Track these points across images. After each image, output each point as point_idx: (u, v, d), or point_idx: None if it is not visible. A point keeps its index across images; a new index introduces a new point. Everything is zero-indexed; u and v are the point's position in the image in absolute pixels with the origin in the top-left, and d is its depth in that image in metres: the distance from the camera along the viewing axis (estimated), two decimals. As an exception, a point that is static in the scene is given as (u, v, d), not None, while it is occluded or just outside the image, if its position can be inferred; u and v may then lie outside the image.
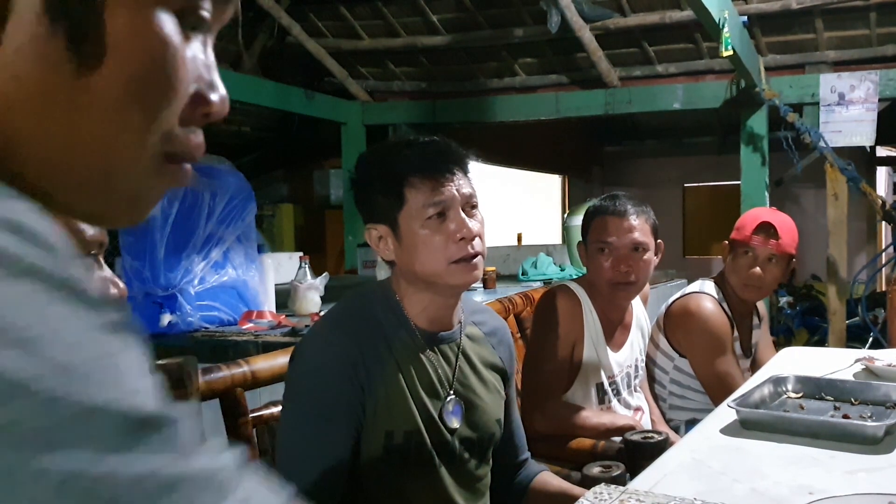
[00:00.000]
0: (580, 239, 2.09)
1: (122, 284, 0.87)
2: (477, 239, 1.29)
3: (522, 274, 4.02)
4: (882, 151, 8.15)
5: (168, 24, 0.45)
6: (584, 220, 2.07)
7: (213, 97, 0.49)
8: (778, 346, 2.58)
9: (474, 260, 1.29)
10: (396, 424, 1.28)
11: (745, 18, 3.94)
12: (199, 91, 0.48)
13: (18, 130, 0.42)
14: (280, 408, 1.36)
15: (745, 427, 1.43)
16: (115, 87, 0.43)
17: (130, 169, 0.46)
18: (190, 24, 0.47)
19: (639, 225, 1.95)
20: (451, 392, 1.35)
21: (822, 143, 4.31)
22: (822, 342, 5.46)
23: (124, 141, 0.45)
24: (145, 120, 0.45)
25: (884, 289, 5.09)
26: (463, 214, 1.28)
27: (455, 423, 1.34)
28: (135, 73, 0.44)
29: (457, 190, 1.28)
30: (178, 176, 0.50)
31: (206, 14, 0.48)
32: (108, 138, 0.44)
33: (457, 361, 1.37)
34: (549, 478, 1.52)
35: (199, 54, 0.48)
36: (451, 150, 1.33)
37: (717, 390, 2.09)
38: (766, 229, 2.22)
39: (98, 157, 0.44)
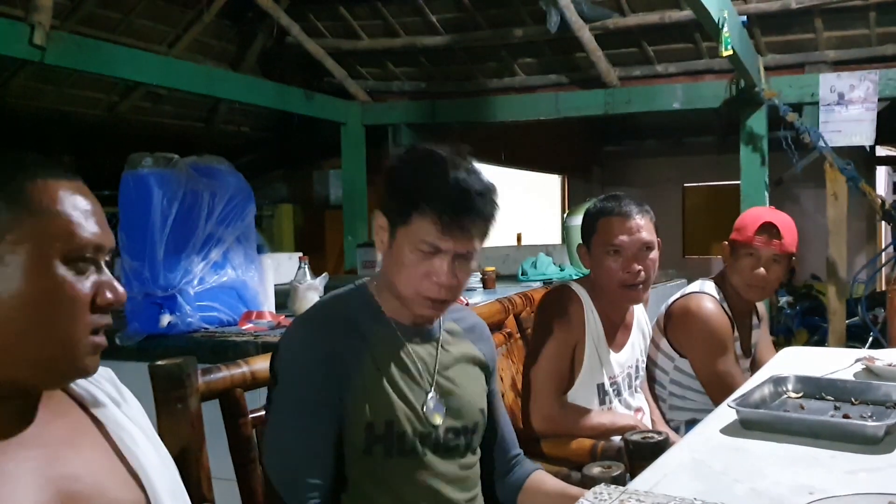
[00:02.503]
0: (580, 240, 2.09)
1: (120, 289, 0.89)
2: (451, 287, 1.30)
3: (522, 274, 4.01)
4: (882, 151, 8.15)
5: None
6: (584, 222, 2.06)
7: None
8: (778, 345, 2.58)
9: (441, 304, 1.32)
10: (377, 416, 1.29)
11: (745, 18, 3.93)
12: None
13: None
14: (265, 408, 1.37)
15: (746, 427, 1.43)
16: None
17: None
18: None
19: (644, 224, 1.95)
20: (432, 387, 1.36)
21: (821, 143, 4.30)
22: (822, 342, 5.46)
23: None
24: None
25: (884, 288, 5.09)
26: (449, 264, 1.28)
27: (438, 419, 1.35)
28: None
29: (456, 244, 1.28)
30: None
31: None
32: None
33: (437, 355, 1.39)
34: (544, 477, 1.52)
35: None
36: (478, 201, 1.28)
37: (718, 390, 2.08)
38: (769, 230, 2.22)
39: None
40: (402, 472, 1.32)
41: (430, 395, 1.35)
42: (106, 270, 0.89)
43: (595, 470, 1.54)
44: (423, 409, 1.33)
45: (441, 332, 1.42)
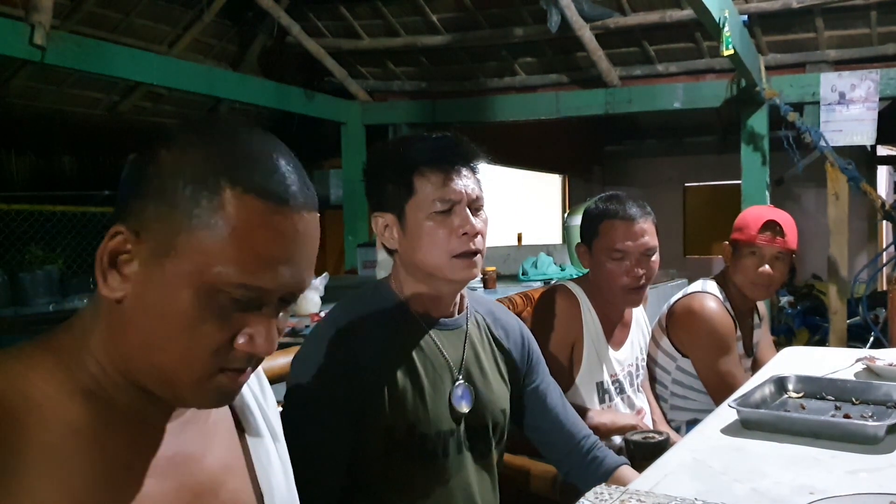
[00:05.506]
0: (580, 240, 2.08)
1: (272, 341, 0.77)
2: (479, 237, 1.32)
3: (523, 274, 4.01)
4: (882, 150, 8.15)
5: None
6: (585, 222, 2.04)
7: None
8: (779, 345, 2.57)
9: (475, 257, 1.32)
10: (397, 420, 1.29)
11: (746, 17, 3.93)
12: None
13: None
14: (281, 409, 1.37)
15: (746, 427, 1.42)
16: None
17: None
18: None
19: (648, 228, 1.95)
20: (460, 377, 1.36)
21: (822, 143, 4.30)
22: (822, 342, 5.45)
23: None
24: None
25: (885, 288, 5.08)
26: (468, 212, 1.31)
27: (465, 408, 1.35)
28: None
29: (465, 189, 1.31)
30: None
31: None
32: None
33: (464, 348, 1.39)
34: (630, 474, 1.49)
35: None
36: (464, 146, 1.35)
37: (720, 390, 2.08)
38: (772, 227, 2.22)
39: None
40: (421, 474, 1.32)
41: (457, 383, 1.35)
42: (274, 314, 0.76)
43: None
44: (450, 399, 1.34)
45: (468, 325, 1.42)
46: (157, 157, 0.72)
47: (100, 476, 0.71)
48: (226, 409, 0.88)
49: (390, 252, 1.38)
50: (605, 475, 1.48)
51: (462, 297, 1.44)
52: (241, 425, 0.89)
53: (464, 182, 1.31)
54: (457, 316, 1.41)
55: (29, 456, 0.68)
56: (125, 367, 0.76)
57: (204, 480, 0.80)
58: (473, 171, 1.35)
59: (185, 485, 0.78)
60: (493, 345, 1.46)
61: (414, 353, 1.33)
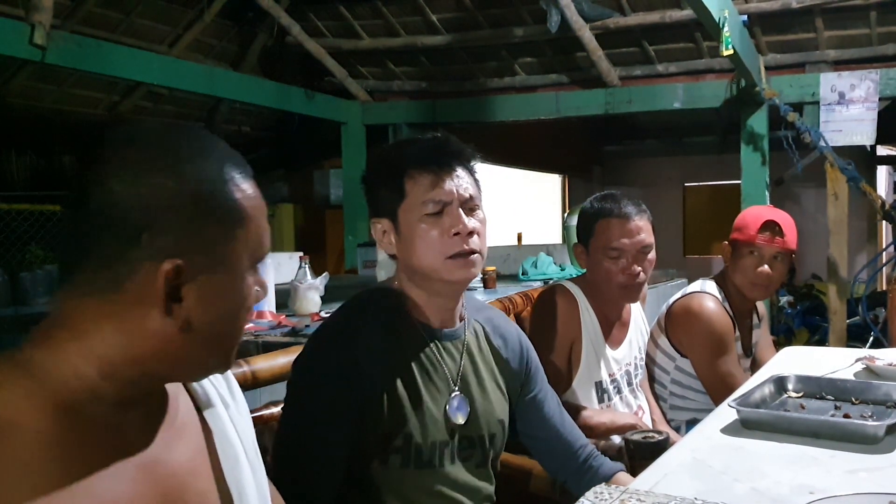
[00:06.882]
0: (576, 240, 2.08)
1: (266, 285, 0.89)
2: (475, 236, 1.30)
3: (522, 274, 4.01)
4: (882, 150, 8.15)
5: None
6: (581, 222, 2.05)
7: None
8: (778, 345, 2.57)
9: (471, 256, 1.30)
10: (395, 427, 1.28)
11: (745, 17, 3.93)
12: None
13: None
14: (280, 408, 1.37)
15: (746, 426, 1.43)
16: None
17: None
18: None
19: (644, 225, 1.95)
20: (457, 388, 1.35)
21: (822, 143, 4.31)
22: (822, 341, 5.45)
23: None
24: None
25: (884, 288, 5.08)
26: (461, 211, 1.29)
27: (460, 419, 1.34)
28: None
29: (456, 189, 1.30)
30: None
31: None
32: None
33: (461, 358, 1.38)
34: (626, 480, 1.49)
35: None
36: (453, 145, 1.34)
37: (719, 390, 2.08)
38: (772, 227, 2.22)
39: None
40: (416, 482, 1.32)
41: (454, 394, 1.34)
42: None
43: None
44: (445, 410, 1.33)
45: (466, 334, 1.41)
46: (165, 185, 0.76)
47: (73, 491, 0.71)
48: (193, 412, 0.90)
49: (392, 257, 1.38)
50: (603, 474, 1.49)
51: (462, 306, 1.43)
52: (210, 431, 0.91)
53: (455, 182, 1.30)
54: (457, 325, 1.40)
55: (2, 474, 0.68)
56: (142, 377, 0.79)
57: (172, 483, 0.82)
58: (467, 170, 1.33)
59: (154, 490, 0.79)
60: (492, 354, 1.45)
61: (413, 362, 1.32)
